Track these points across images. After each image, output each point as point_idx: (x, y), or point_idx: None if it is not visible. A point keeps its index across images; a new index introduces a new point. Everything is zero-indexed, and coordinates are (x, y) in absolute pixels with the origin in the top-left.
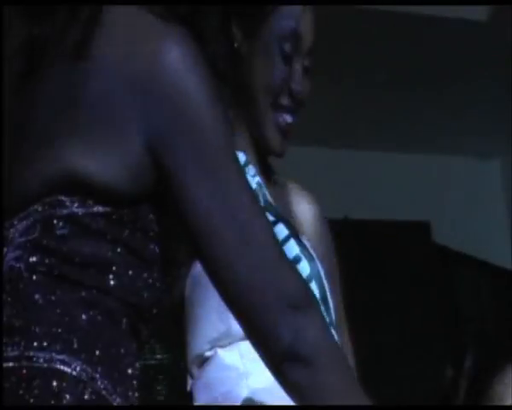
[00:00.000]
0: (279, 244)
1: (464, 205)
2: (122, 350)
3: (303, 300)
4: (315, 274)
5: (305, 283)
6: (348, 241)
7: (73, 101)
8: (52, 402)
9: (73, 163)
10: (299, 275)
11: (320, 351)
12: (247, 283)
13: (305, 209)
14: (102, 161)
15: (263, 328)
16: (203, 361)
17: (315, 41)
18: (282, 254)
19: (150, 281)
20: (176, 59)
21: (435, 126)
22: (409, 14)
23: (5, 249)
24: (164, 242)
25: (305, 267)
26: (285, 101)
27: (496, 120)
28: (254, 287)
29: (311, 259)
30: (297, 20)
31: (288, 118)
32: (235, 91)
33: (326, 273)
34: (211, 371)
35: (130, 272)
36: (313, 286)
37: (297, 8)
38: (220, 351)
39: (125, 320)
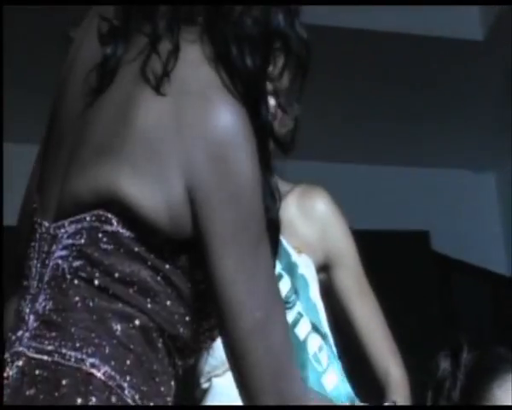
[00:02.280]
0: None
1: (462, 215)
2: (155, 367)
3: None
4: (295, 289)
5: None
6: None
7: (128, 123)
8: (78, 402)
9: (120, 185)
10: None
11: None
12: (255, 363)
13: (306, 223)
14: (146, 191)
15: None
16: (202, 393)
17: None
18: (292, 350)
19: (187, 318)
20: (230, 122)
21: (434, 141)
22: (409, 34)
23: (54, 247)
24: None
25: (285, 283)
26: None
27: (491, 134)
28: (261, 371)
29: (295, 276)
30: None
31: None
32: None
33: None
34: (208, 401)
35: (169, 303)
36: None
37: None
38: (215, 380)
39: (161, 341)
